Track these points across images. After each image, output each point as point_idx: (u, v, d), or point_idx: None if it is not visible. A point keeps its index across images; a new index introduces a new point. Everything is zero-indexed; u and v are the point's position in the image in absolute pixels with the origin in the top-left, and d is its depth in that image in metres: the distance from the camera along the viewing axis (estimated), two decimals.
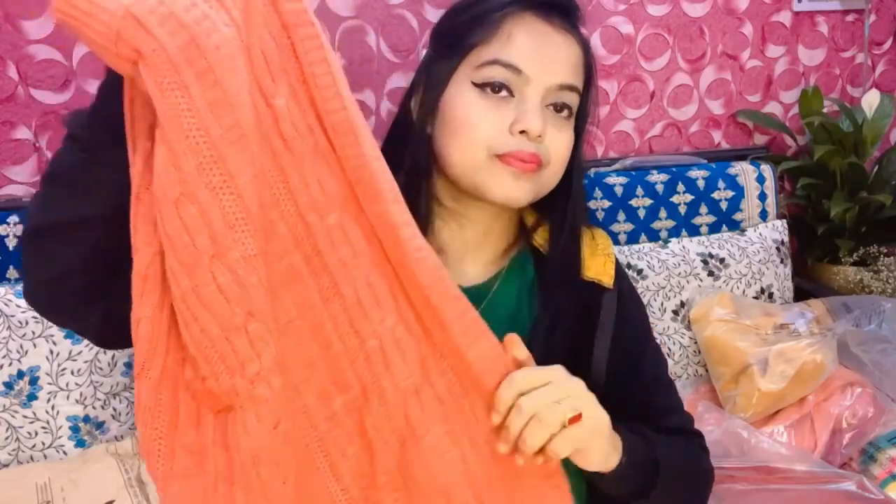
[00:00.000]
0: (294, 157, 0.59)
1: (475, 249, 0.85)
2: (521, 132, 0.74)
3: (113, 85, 0.58)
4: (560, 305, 0.83)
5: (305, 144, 0.59)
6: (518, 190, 0.76)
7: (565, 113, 0.78)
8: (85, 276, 0.65)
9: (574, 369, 0.72)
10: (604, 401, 0.72)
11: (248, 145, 0.53)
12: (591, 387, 0.72)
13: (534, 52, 0.76)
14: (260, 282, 0.56)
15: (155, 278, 0.58)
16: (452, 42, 0.78)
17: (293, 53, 0.57)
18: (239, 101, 0.52)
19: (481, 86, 0.76)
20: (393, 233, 0.61)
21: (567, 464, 0.80)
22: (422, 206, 0.79)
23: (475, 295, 0.82)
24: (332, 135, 0.60)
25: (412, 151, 0.79)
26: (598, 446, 0.71)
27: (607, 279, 0.83)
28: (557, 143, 0.77)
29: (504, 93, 0.76)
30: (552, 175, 0.79)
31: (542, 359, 0.74)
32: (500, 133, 0.75)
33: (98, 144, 0.60)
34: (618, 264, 0.86)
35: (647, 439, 0.78)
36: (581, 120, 0.82)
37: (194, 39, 0.49)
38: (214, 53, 0.50)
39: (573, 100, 0.79)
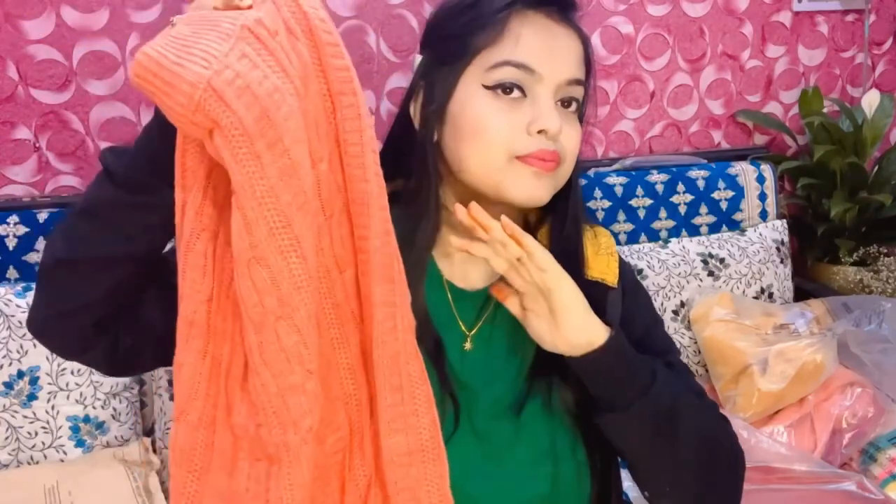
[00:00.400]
0: (326, 218, 0.61)
1: None
2: (540, 132, 0.74)
3: (162, 131, 0.58)
4: None
5: (334, 205, 0.62)
6: (540, 189, 0.76)
7: (573, 107, 0.79)
8: (99, 312, 0.65)
9: None
10: None
11: (310, 210, 0.56)
12: None
13: (543, 50, 0.75)
14: (317, 340, 0.59)
15: (200, 325, 0.60)
16: (455, 46, 0.77)
17: (334, 117, 0.60)
18: (304, 168, 0.55)
19: (493, 88, 0.75)
20: (369, 309, 0.63)
21: (573, 469, 0.80)
22: (430, 214, 0.78)
23: (481, 298, 0.82)
24: (350, 201, 0.62)
25: (419, 160, 0.78)
26: (567, 295, 0.73)
27: (611, 278, 0.83)
28: (571, 139, 0.77)
29: (516, 93, 0.75)
30: (567, 171, 0.79)
31: (552, 358, 0.76)
32: (518, 134, 0.74)
33: (139, 185, 0.61)
34: (622, 261, 0.86)
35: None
36: (581, 113, 0.83)
37: (266, 112, 0.52)
38: (284, 125, 0.53)
39: (580, 94, 0.79)
